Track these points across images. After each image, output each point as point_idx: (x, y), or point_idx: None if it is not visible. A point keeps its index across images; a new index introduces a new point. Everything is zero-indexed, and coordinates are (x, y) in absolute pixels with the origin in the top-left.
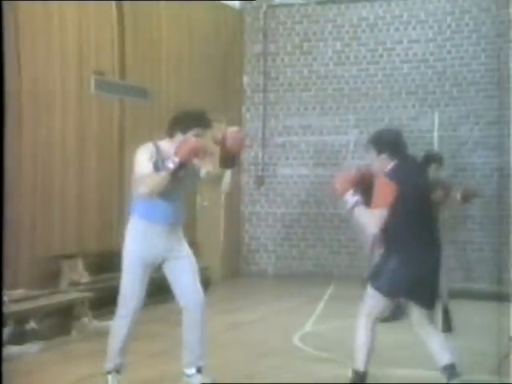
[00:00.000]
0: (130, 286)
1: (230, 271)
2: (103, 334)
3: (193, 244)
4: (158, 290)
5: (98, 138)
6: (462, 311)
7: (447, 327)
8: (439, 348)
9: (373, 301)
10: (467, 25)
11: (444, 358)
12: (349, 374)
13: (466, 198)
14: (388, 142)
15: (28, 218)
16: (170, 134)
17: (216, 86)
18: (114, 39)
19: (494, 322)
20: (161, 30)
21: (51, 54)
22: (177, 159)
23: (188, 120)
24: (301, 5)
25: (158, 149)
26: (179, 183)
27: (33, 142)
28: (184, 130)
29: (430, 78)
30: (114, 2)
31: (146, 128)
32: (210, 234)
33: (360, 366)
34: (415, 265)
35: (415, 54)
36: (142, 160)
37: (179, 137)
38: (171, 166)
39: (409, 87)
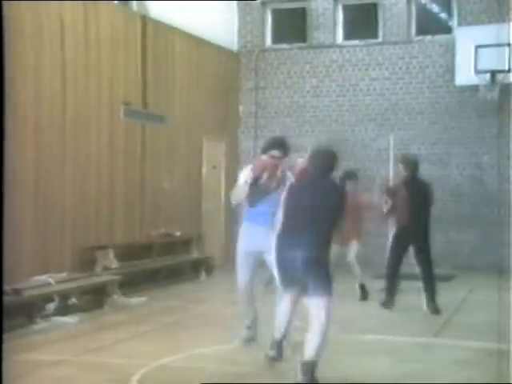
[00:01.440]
0: (243, 272)
1: (228, 258)
2: (129, 308)
3: (199, 237)
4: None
5: (124, 154)
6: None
7: (364, 297)
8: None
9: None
10: (414, 67)
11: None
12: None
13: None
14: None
15: (70, 217)
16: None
17: (218, 113)
18: (138, 76)
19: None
20: (175, 68)
21: (90, 88)
22: (251, 174)
23: (268, 143)
24: (285, 49)
25: None
26: (267, 194)
27: (74, 158)
28: (264, 151)
29: (386, 108)
30: (139, 46)
31: (162, 147)
32: (212, 228)
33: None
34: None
35: (375, 89)
36: (240, 176)
37: (261, 156)
38: (248, 179)
39: (370, 115)
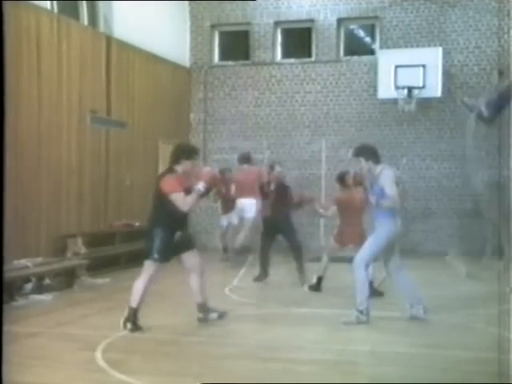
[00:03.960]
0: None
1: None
2: (95, 288)
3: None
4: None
5: (91, 155)
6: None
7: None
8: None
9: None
10: (343, 83)
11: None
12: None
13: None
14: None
15: (45, 210)
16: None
17: (171, 120)
18: (103, 87)
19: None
20: (135, 81)
21: (61, 98)
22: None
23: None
24: (230, 66)
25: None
26: None
27: (47, 158)
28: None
29: (318, 117)
30: (104, 62)
31: (124, 149)
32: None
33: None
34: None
35: (308, 101)
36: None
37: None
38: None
39: (304, 123)
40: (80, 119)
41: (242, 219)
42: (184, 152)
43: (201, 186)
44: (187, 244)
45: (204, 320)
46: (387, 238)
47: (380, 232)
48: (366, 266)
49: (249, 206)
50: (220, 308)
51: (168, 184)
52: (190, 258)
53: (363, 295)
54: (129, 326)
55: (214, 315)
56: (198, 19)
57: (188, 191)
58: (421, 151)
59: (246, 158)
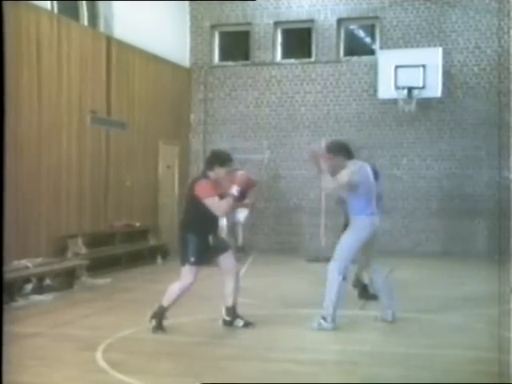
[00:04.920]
0: None
1: None
2: (95, 288)
3: (156, 227)
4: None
5: (91, 156)
6: None
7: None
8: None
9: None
10: (343, 83)
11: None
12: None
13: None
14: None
15: (45, 210)
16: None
17: (172, 121)
18: (103, 88)
19: None
20: (135, 81)
21: (62, 98)
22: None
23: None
24: (231, 66)
25: None
26: None
27: (47, 159)
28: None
29: (318, 117)
30: (104, 62)
31: (124, 149)
32: (167, 219)
33: None
34: None
35: (308, 101)
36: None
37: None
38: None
39: (304, 123)
40: (80, 120)
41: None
42: (218, 159)
43: (234, 190)
44: (222, 246)
45: (229, 324)
46: (358, 239)
47: (351, 232)
48: (340, 270)
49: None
50: (220, 309)
51: (202, 189)
52: (226, 260)
53: (329, 301)
54: (154, 322)
55: (240, 322)
56: (198, 19)
57: (221, 197)
58: (421, 151)
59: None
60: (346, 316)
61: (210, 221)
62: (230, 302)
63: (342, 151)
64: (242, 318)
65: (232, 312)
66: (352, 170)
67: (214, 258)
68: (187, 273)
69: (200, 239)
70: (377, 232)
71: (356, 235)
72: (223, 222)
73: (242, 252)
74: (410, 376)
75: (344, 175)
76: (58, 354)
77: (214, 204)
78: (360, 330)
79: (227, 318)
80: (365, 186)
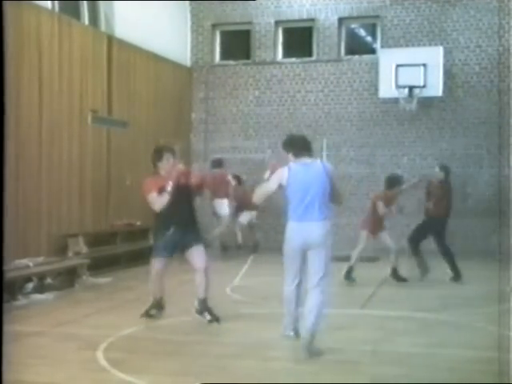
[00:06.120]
0: None
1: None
2: (96, 287)
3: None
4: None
5: (92, 155)
6: None
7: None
8: None
9: None
10: (344, 82)
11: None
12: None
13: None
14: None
15: (46, 209)
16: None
17: (173, 120)
18: (104, 87)
19: None
20: (136, 80)
21: (63, 98)
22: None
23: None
24: (232, 65)
25: None
26: None
27: (48, 158)
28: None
29: (319, 116)
30: (105, 62)
31: (125, 149)
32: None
33: None
34: None
35: (309, 100)
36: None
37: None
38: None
39: (305, 122)
40: (81, 119)
41: (218, 217)
42: (155, 154)
43: (169, 186)
44: (191, 240)
45: (199, 313)
46: (287, 247)
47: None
48: (287, 281)
49: (222, 205)
50: (220, 308)
51: (144, 186)
52: (194, 255)
53: (286, 316)
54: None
55: (207, 316)
56: (199, 18)
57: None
58: (422, 150)
59: (218, 163)
60: (347, 315)
61: (166, 216)
62: (200, 295)
63: (291, 148)
64: (211, 311)
65: (202, 304)
66: (280, 172)
67: (183, 251)
68: (152, 264)
69: (158, 233)
70: (318, 240)
71: (285, 243)
72: (241, 222)
73: (255, 251)
74: (411, 375)
75: (273, 178)
76: (59, 352)
77: (152, 200)
78: (361, 329)
79: (198, 308)
80: (292, 188)
